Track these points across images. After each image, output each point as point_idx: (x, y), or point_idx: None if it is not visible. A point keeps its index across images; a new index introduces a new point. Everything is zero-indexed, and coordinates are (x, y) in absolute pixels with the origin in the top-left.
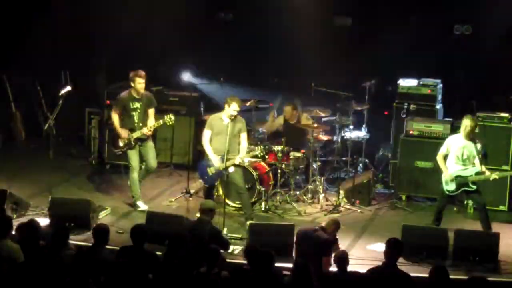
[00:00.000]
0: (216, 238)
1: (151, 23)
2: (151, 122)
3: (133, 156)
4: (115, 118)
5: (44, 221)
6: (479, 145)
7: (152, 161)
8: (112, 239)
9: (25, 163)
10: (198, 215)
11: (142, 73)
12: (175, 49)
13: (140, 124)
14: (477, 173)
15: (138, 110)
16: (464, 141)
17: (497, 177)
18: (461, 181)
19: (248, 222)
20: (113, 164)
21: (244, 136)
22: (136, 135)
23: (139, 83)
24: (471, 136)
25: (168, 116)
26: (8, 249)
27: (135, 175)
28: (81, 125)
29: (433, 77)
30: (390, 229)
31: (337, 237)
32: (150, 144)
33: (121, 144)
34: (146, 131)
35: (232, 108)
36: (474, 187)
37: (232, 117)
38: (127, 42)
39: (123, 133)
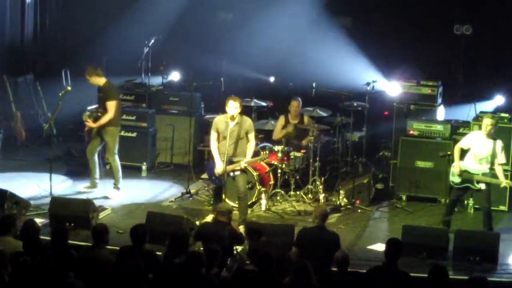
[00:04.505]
0: (235, 237)
1: (151, 23)
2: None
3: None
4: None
5: (44, 221)
6: (499, 144)
7: (108, 154)
8: (112, 239)
9: (25, 163)
10: (208, 219)
11: (89, 70)
12: (175, 49)
13: (99, 114)
14: (484, 174)
15: (100, 101)
16: (485, 140)
17: (507, 186)
18: (466, 176)
19: (241, 227)
20: None
21: (251, 136)
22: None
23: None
24: (492, 135)
25: (98, 112)
26: (12, 245)
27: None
28: (81, 125)
29: (433, 77)
30: (390, 229)
31: None
32: (107, 138)
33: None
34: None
35: (229, 105)
36: (479, 186)
37: (233, 117)
38: (126, 42)
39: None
